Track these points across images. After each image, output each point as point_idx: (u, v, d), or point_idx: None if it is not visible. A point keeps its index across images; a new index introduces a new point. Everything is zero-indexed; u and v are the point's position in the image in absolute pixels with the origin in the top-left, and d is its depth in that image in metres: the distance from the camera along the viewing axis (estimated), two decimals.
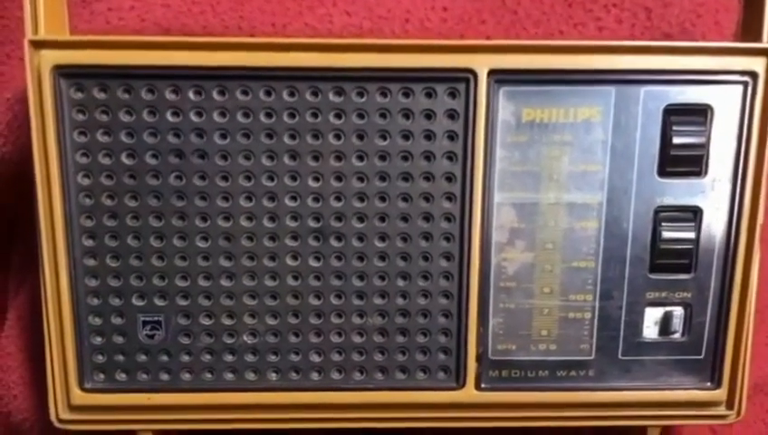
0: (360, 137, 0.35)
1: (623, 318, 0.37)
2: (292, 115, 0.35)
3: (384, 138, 0.35)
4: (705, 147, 0.35)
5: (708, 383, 0.38)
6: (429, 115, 0.35)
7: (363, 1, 0.40)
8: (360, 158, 0.35)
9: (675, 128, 0.35)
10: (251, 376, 0.38)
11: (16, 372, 0.45)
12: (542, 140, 0.35)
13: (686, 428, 0.45)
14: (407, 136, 0.35)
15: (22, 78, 0.36)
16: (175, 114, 0.35)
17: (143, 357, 0.37)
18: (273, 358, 0.37)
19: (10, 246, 0.46)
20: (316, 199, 0.36)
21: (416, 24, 0.41)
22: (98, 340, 0.37)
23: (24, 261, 0.45)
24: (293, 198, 0.36)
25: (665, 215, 0.36)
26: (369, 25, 0.40)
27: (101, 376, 0.38)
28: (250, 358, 0.37)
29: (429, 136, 0.35)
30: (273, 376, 0.38)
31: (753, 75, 0.34)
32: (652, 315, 0.37)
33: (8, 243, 0.46)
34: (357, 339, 0.37)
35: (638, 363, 0.38)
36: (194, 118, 0.35)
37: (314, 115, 0.35)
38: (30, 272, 0.44)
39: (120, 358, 0.37)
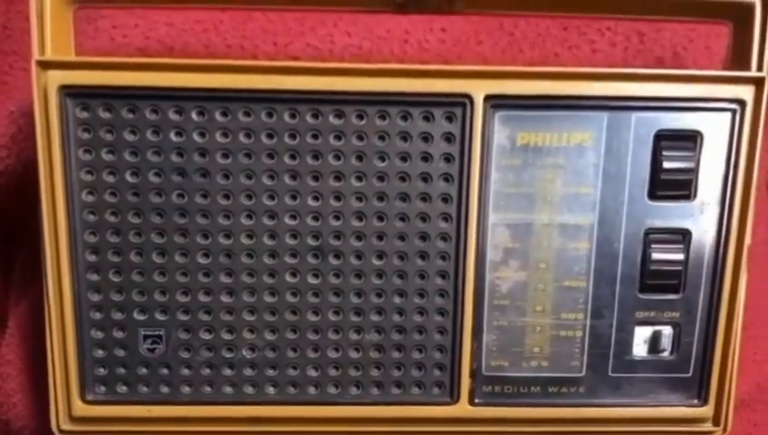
0: (360, 158, 0.36)
1: (613, 336, 0.38)
2: (292, 136, 0.35)
3: (383, 159, 0.36)
4: (694, 171, 0.36)
5: (695, 400, 0.39)
6: (427, 138, 0.36)
7: (363, 22, 0.41)
8: (359, 178, 0.36)
9: (665, 153, 0.36)
10: (249, 390, 0.38)
11: (16, 380, 0.45)
12: (536, 163, 0.36)
13: None
14: (404, 158, 0.36)
15: (25, 89, 0.37)
16: (178, 134, 0.35)
17: (144, 370, 0.38)
18: (271, 372, 0.38)
19: (12, 256, 0.46)
20: (315, 218, 0.36)
21: (414, 46, 0.41)
22: (99, 353, 0.38)
23: (25, 270, 0.46)
24: (293, 217, 0.36)
25: (654, 237, 0.37)
26: (368, 46, 0.41)
27: (103, 388, 0.38)
28: (249, 372, 0.38)
29: (426, 158, 0.36)
30: (272, 390, 0.38)
31: (742, 103, 0.35)
32: (642, 334, 0.38)
33: (10, 252, 0.46)
34: (354, 354, 0.38)
35: (627, 381, 0.39)
36: (197, 138, 0.35)
37: (315, 136, 0.35)
38: (31, 281, 0.45)
39: (122, 371, 0.38)
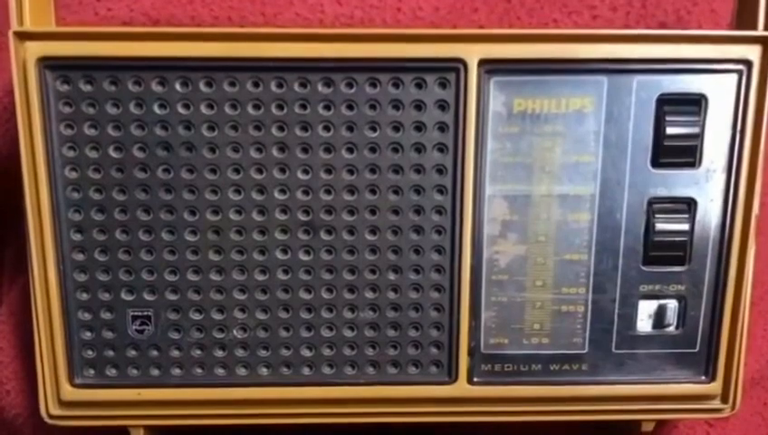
0: (350, 128, 0.34)
1: (616, 311, 0.37)
2: (280, 107, 0.34)
3: (374, 129, 0.35)
4: (699, 137, 0.35)
5: (703, 377, 0.38)
6: (419, 106, 0.34)
7: None
8: (350, 150, 0.35)
9: (668, 118, 0.34)
10: (242, 371, 0.37)
11: (9, 367, 0.44)
12: (533, 130, 0.35)
13: (681, 421, 0.45)
14: (397, 127, 0.35)
15: (10, 69, 0.36)
16: (162, 106, 0.34)
17: (133, 352, 0.37)
18: (263, 353, 0.37)
19: (1, 241, 0.46)
20: (306, 192, 0.35)
21: (408, 14, 0.40)
22: (87, 335, 0.37)
23: (16, 256, 0.45)
24: (283, 191, 0.35)
25: (658, 206, 0.36)
26: (360, 15, 0.40)
27: (91, 371, 0.37)
28: (240, 353, 0.37)
29: (420, 127, 0.35)
30: (264, 371, 0.37)
31: (748, 64, 0.34)
32: (646, 308, 0.37)
33: (0, 238, 0.45)
34: (348, 333, 0.37)
35: (631, 357, 0.37)
36: (181, 110, 0.34)
37: (303, 106, 0.34)
38: (22, 267, 0.44)
39: (110, 353, 0.37)
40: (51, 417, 0.38)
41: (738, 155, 0.35)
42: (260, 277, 0.36)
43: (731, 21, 0.37)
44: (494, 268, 0.36)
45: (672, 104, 0.34)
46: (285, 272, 0.36)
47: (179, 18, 0.39)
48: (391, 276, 0.36)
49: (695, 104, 0.35)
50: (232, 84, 0.34)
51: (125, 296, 0.36)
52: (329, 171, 0.35)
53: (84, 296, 0.36)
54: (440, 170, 0.35)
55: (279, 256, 0.36)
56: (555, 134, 0.35)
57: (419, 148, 0.35)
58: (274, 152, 0.35)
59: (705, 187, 0.35)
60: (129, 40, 0.33)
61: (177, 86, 0.34)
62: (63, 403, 0.38)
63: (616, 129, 0.35)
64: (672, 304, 0.37)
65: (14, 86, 0.34)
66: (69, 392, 0.37)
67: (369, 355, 0.37)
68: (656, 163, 0.35)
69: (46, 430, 0.40)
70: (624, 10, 0.40)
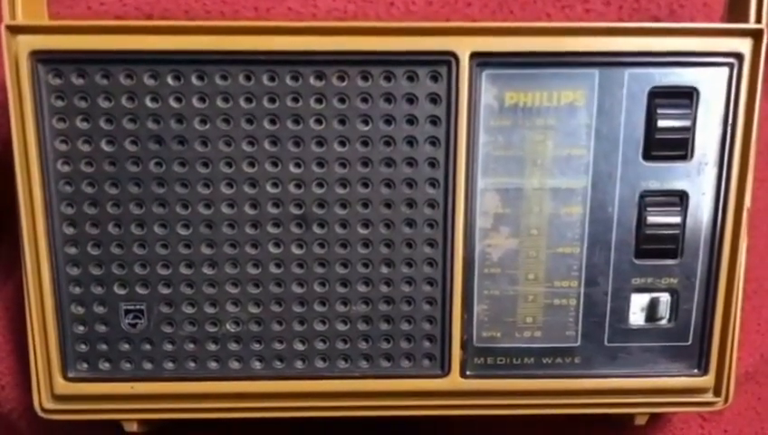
0: (342, 122, 0.35)
1: (609, 304, 0.37)
2: (272, 100, 0.34)
3: (366, 123, 0.35)
4: (690, 130, 0.35)
5: (695, 370, 0.38)
6: (411, 99, 0.34)
7: None
8: (342, 143, 0.35)
9: (660, 111, 0.34)
10: (235, 365, 0.37)
11: (4, 362, 0.44)
12: (525, 124, 0.35)
13: (675, 415, 0.45)
14: (389, 121, 0.35)
15: (2, 63, 0.36)
16: (154, 100, 0.34)
17: (126, 346, 0.37)
18: (256, 346, 0.37)
19: None
20: (298, 186, 0.35)
21: (401, 8, 0.40)
22: (80, 329, 0.37)
23: (10, 251, 0.45)
24: (275, 185, 0.35)
25: (650, 199, 0.36)
26: (353, 9, 0.40)
27: (85, 365, 0.37)
28: (233, 347, 0.37)
29: (412, 121, 0.35)
30: (257, 365, 0.37)
31: (739, 57, 0.34)
32: (638, 302, 0.37)
33: None
34: (341, 327, 0.37)
35: (624, 350, 0.37)
36: (173, 103, 0.34)
37: (295, 100, 0.34)
38: (17, 262, 0.44)
39: (103, 347, 0.37)
40: (44, 411, 0.38)
41: (730, 148, 0.35)
42: (253, 271, 0.36)
43: (723, 14, 0.37)
44: (487, 262, 0.36)
45: (663, 97, 0.34)
46: (278, 265, 0.36)
47: (172, 12, 0.39)
48: (384, 270, 0.36)
49: (686, 97, 0.35)
50: (224, 78, 0.34)
51: (118, 290, 0.36)
52: (321, 165, 0.35)
53: (77, 290, 0.36)
54: (432, 164, 0.35)
55: (271, 249, 0.36)
56: (547, 127, 0.35)
57: (411, 141, 0.35)
58: (266, 145, 0.35)
59: (697, 180, 0.35)
60: (121, 33, 0.33)
61: (170, 80, 0.34)
62: (57, 397, 0.38)
63: (607, 122, 0.35)
64: (664, 298, 0.37)
65: (6, 80, 0.34)
66: (62, 386, 0.37)
67: (362, 349, 0.37)
68: (647, 156, 0.35)
69: (41, 424, 0.40)
70: (617, 4, 0.40)
